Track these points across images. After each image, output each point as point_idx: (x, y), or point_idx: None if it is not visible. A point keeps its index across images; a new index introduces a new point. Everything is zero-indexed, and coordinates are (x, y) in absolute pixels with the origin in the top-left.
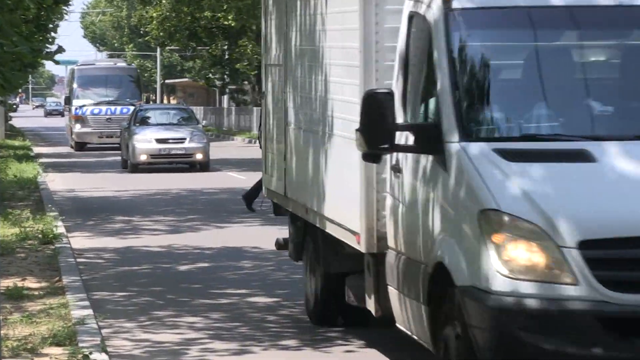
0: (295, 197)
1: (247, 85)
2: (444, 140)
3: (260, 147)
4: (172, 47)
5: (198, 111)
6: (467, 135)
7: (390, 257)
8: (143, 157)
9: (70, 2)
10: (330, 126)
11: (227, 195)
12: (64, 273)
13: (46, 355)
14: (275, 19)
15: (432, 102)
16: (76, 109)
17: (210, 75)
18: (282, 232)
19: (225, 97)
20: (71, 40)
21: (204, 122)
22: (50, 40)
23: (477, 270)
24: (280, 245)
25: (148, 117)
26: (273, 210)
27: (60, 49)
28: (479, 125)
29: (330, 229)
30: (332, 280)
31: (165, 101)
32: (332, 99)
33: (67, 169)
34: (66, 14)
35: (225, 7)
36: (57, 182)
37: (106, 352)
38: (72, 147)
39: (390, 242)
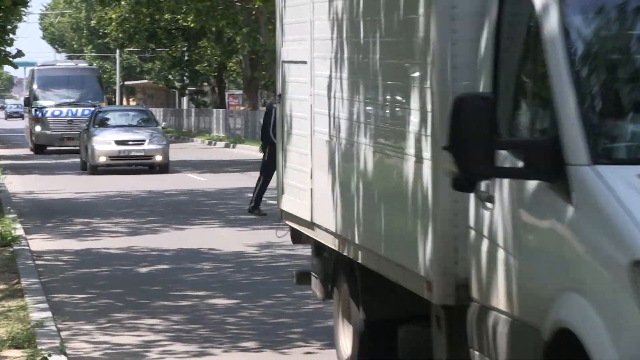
0: (326, 224)
1: (207, 86)
2: (566, 161)
3: (263, 152)
4: (131, 49)
5: (158, 113)
6: (601, 155)
7: (475, 312)
8: (102, 159)
9: (28, 4)
10: (383, 139)
11: (187, 197)
12: (23, 275)
13: (5, 357)
14: (296, 5)
15: (541, 109)
16: (36, 110)
17: (170, 76)
18: (244, 234)
19: (185, 99)
20: (30, 41)
21: (164, 123)
22: (8, 42)
23: (629, 343)
24: (300, 278)
25: (107, 119)
26: (291, 238)
27: (20, 53)
28: (617, 142)
29: (384, 269)
30: (376, 328)
31: (124, 103)
32: (388, 104)
33: (26, 171)
34: (25, 15)
35: (184, 9)
36: (15, 184)
37: (65, 355)
38: (31, 149)
39: (475, 292)
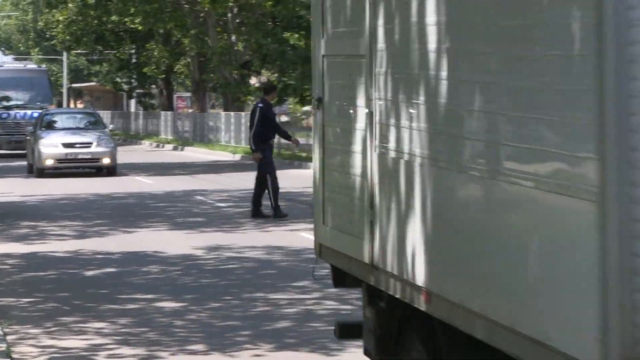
0: (397, 269)
1: (155, 89)
2: None
3: (254, 151)
4: (78, 51)
5: (105, 115)
6: None
7: None
8: (49, 162)
9: None
10: (519, 164)
11: (135, 200)
12: None
13: None
14: None
15: None
16: None
17: (118, 79)
18: (192, 237)
19: (133, 101)
20: None
21: (111, 126)
22: None
23: None
24: (345, 331)
25: (54, 122)
26: (333, 280)
27: None
28: None
29: (503, 342)
30: None
31: (72, 105)
32: (537, 115)
33: None
34: None
35: (132, 11)
36: None
37: (12, 359)
38: None
39: None
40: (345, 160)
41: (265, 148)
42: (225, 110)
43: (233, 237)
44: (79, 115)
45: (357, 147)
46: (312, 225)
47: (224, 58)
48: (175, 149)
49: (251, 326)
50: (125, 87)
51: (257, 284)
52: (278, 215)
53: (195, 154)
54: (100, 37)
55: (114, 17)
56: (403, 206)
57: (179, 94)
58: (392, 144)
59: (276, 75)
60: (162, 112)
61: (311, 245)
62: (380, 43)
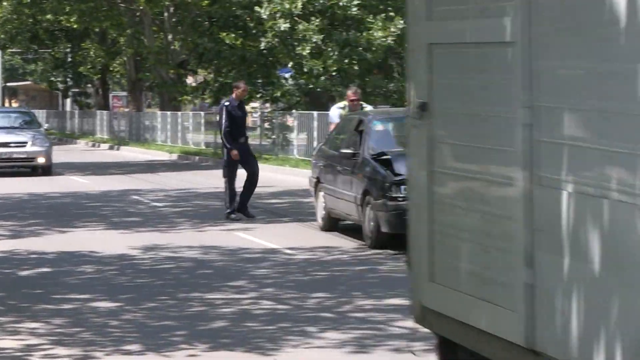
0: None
1: (91, 88)
2: None
3: (229, 149)
4: (13, 50)
5: (41, 114)
6: None
7: None
8: None
9: None
10: None
11: (70, 199)
12: None
13: None
14: None
15: None
16: None
17: (53, 78)
18: (128, 236)
19: (69, 101)
20: None
21: (47, 125)
22: None
23: None
24: None
25: None
26: (440, 355)
27: None
28: None
29: None
30: None
31: (6, 104)
32: None
33: None
34: None
35: (67, 10)
36: None
37: None
38: None
39: None
40: (477, 192)
41: (236, 147)
42: (162, 109)
43: (169, 237)
44: (13, 115)
45: (502, 174)
46: (248, 226)
47: (160, 57)
48: (111, 148)
49: (187, 326)
50: (60, 86)
51: (193, 283)
52: (230, 217)
53: (131, 153)
54: (35, 36)
55: (49, 16)
56: (589, 265)
57: (115, 93)
58: (568, 173)
59: (212, 75)
60: (98, 112)
61: (247, 245)
62: (543, 22)
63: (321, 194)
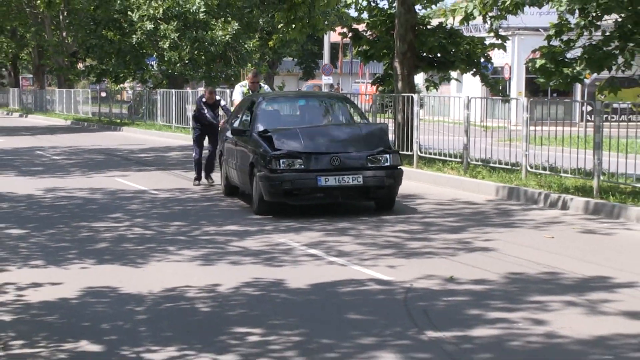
0: None
1: (5, 72)
2: None
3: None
4: None
5: None
6: None
7: None
8: None
9: None
10: None
11: None
12: None
13: None
14: None
15: None
16: None
17: None
18: (34, 181)
19: None
20: None
21: None
22: None
23: None
24: None
25: None
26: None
27: None
28: None
29: None
30: None
31: None
32: None
33: None
34: None
35: None
36: None
37: None
38: None
39: None
40: None
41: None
42: (59, 87)
43: (64, 181)
44: None
45: None
46: (124, 173)
47: (57, 49)
48: (21, 116)
49: (78, 247)
50: None
51: (83, 215)
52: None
53: (37, 120)
54: None
55: None
56: None
57: (23, 75)
58: None
59: (96, 62)
60: (11, 89)
61: (124, 187)
62: None
63: (223, 165)
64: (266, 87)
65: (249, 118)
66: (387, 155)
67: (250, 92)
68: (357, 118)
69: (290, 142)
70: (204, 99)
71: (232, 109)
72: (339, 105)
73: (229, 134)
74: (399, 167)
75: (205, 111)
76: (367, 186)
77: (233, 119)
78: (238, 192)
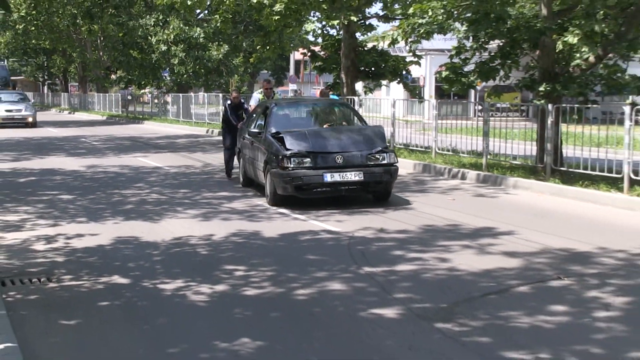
0: None
1: (58, 80)
2: None
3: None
4: (14, 59)
5: (30, 95)
6: None
7: None
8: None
9: None
10: None
11: (47, 141)
12: None
13: None
14: None
15: None
16: None
17: (36, 75)
18: (80, 161)
19: (45, 88)
20: None
21: (33, 100)
22: None
23: None
24: None
25: (1, 97)
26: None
27: None
28: None
29: None
30: None
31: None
32: None
33: None
34: None
35: (44, 38)
36: None
37: None
38: None
39: None
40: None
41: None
42: (98, 92)
43: (101, 160)
44: (15, 94)
45: None
46: (145, 154)
47: (96, 64)
48: (69, 113)
49: (111, 208)
50: (41, 79)
51: (115, 185)
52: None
53: (81, 116)
54: (25, 51)
55: (33, 41)
56: None
57: (71, 83)
58: None
59: (124, 74)
60: (62, 93)
61: (145, 165)
62: None
63: (241, 160)
64: (279, 94)
65: (263, 122)
66: (385, 154)
67: (265, 97)
68: (357, 121)
69: (300, 143)
70: (229, 101)
71: None
72: (341, 109)
73: (246, 134)
74: (394, 165)
75: (229, 113)
76: (367, 181)
77: (250, 121)
78: (254, 183)
